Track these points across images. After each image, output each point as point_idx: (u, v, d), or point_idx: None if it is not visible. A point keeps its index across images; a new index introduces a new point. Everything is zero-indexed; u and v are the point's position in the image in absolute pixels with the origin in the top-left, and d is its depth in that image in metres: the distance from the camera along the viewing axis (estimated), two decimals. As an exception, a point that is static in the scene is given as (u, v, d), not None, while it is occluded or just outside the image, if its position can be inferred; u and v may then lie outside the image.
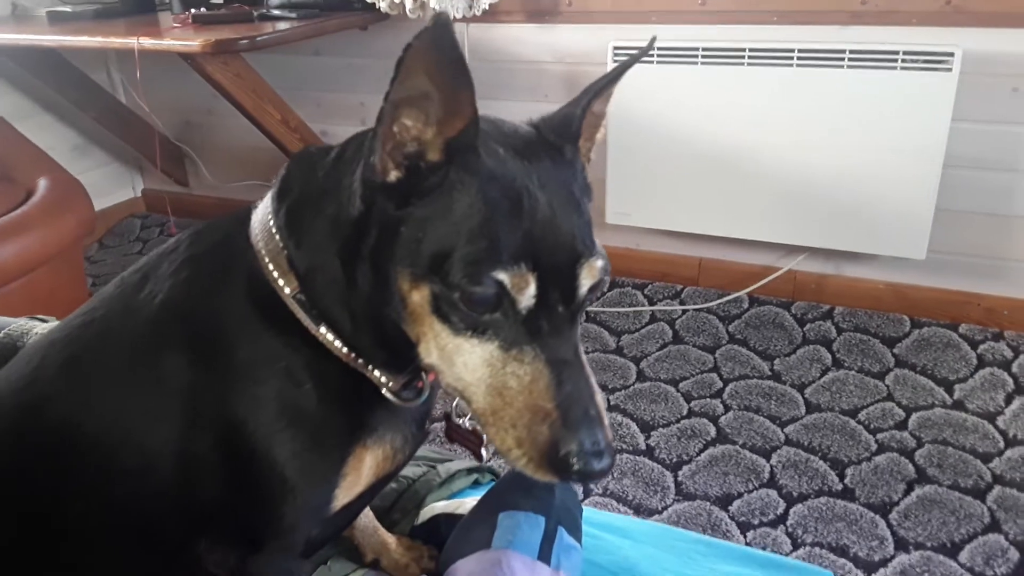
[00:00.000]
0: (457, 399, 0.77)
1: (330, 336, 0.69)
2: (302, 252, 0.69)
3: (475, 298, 0.61)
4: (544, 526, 0.78)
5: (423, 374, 0.74)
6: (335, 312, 0.69)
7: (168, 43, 2.11)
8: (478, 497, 0.84)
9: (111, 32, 2.29)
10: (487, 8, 2.27)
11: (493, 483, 0.91)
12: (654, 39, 0.79)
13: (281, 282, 0.69)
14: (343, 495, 0.72)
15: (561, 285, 0.63)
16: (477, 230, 0.61)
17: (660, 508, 1.62)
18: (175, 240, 0.76)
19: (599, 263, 0.64)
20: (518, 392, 0.61)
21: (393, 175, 0.63)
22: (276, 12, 2.38)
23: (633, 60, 0.70)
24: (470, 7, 2.28)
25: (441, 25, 0.56)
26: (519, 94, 2.43)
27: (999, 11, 1.93)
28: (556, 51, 2.36)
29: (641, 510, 1.62)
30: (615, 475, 1.72)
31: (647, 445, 1.81)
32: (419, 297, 0.62)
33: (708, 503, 1.63)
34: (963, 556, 1.47)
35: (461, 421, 0.83)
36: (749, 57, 2.11)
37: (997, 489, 1.62)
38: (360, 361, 0.71)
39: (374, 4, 2.36)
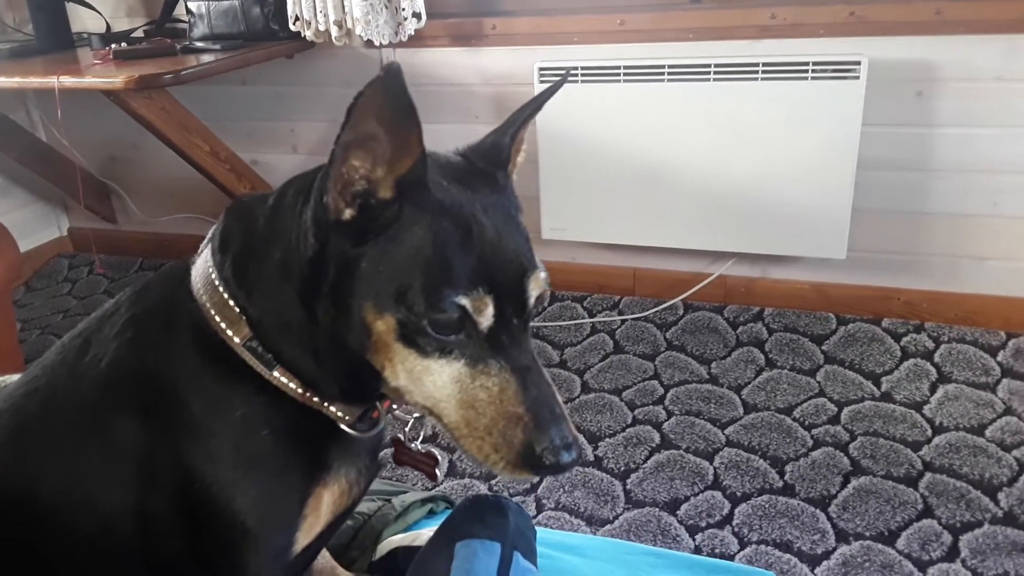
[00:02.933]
0: (409, 424, 0.81)
1: (284, 379, 0.72)
2: (254, 299, 0.72)
3: (441, 323, 0.66)
4: (500, 552, 0.81)
5: (378, 404, 0.77)
6: (293, 352, 0.71)
7: (90, 81, 2.07)
8: (434, 527, 0.86)
9: (29, 71, 2.24)
10: (413, 33, 2.29)
11: (447, 511, 0.93)
12: (567, 73, 0.86)
13: (230, 332, 0.71)
14: (304, 537, 0.74)
15: (513, 300, 0.68)
16: (436, 261, 0.66)
17: (611, 517, 1.67)
18: (114, 302, 0.77)
19: (542, 275, 0.71)
20: (489, 403, 0.67)
21: (347, 213, 0.66)
22: (199, 44, 2.36)
23: (552, 90, 0.77)
24: (396, 33, 2.30)
25: (393, 73, 0.60)
26: (449, 116, 2.46)
27: (900, 20, 2.05)
28: (483, 73, 2.40)
29: (593, 521, 1.66)
30: (566, 488, 1.75)
31: (595, 456, 1.85)
32: (384, 326, 0.66)
33: (657, 509, 1.68)
34: (900, 543, 1.54)
35: (414, 445, 0.85)
36: (669, 73, 2.19)
37: (928, 476, 1.71)
38: (316, 399, 0.73)
39: (299, 33, 2.37)
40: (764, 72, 2.11)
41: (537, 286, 0.70)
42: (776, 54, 2.12)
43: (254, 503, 0.70)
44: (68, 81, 2.07)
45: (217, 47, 2.31)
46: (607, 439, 1.91)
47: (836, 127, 2.10)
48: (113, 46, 2.28)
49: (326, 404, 0.73)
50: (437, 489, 1.66)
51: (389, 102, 0.61)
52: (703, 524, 1.63)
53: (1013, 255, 2.17)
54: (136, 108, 2.16)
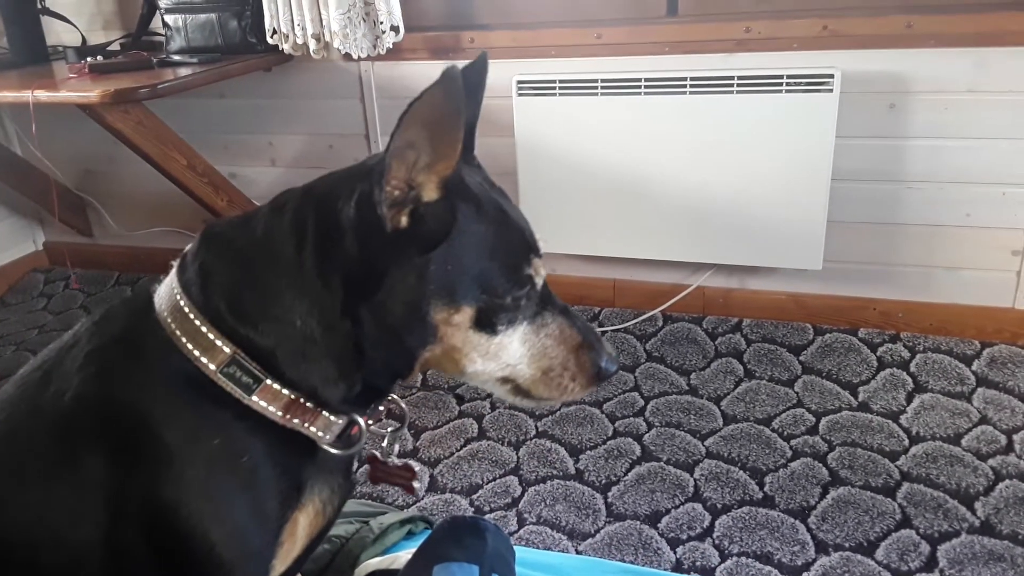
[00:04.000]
0: (386, 440, 0.82)
1: (262, 403, 0.71)
2: (262, 330, 0.72)
3: (520, 296, 0.76)
4: (478, 574, 0.81)
5: (357, 419, 0.78)
6: (313, 369, 0.73)
7: (65, 95, 2.05)
8: (412, 549, 0.86)
9: (3, 85, 2.21)
10: (391, 47, 2.29)
11: (426, 532, 0.93)
12: (484, 55, 0.91)
13: (204, 359, 0.71)
14: (280, 564, 0.74)
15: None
16: (501, 245, 0.75)
17: (593, 531, 1.67)
18: (72, 334, 0.76)
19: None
20: (557, 344, 0.79)
21: (403, 220, 0.70)
22: (176, 58, 2.35)
23: (480, 73, 0.86)
24: (374, 46, 2.30)
25: (452, 78, 0.65)
26: None
27: (873, 34, 2.07)
28: (461, 87, 2.40)
29: (575, 535, 1.66)
30: (547, 502, 1.75)
31: (576, 469, 1.85)
32: (460, 318, 0.73)
33: (638, 522, 1.68)
34: (879, 553, 1.55)
35: (391, 459, 0.86)
36: (645, 86, 2.20)
37: (906, 486, 1.72)
38: (296, 421, 0.73)
39: (277, 46, 2.36)
40: (739, 85, 2.13)
41: (541, 244, 0.81)
42: (751, 67, 2.14)
43: (230, 534, 0.69)
44: (43, 96, 2.05)
45: (194, 60, 2.30)
46: (588, 451, 1.91)
47: (810, 139, 2.12)
48: (89, 59, 2.26)
49: (306, 424, 0.73)
50: (416, 506, 1.65)
51: (443, 108, 0.66)
52: (684, 537, 1.64)
53: (985, 265, 2.20)
54: (112, 122, 2.14)
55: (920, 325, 2.28)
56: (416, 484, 0.85)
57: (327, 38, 2.27)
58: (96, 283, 3.04)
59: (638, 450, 1.91)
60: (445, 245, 0.71)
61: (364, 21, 2.27)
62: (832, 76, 2.05)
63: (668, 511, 1.71)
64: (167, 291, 0.74)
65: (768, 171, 2.18)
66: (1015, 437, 1.85)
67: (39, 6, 2.62)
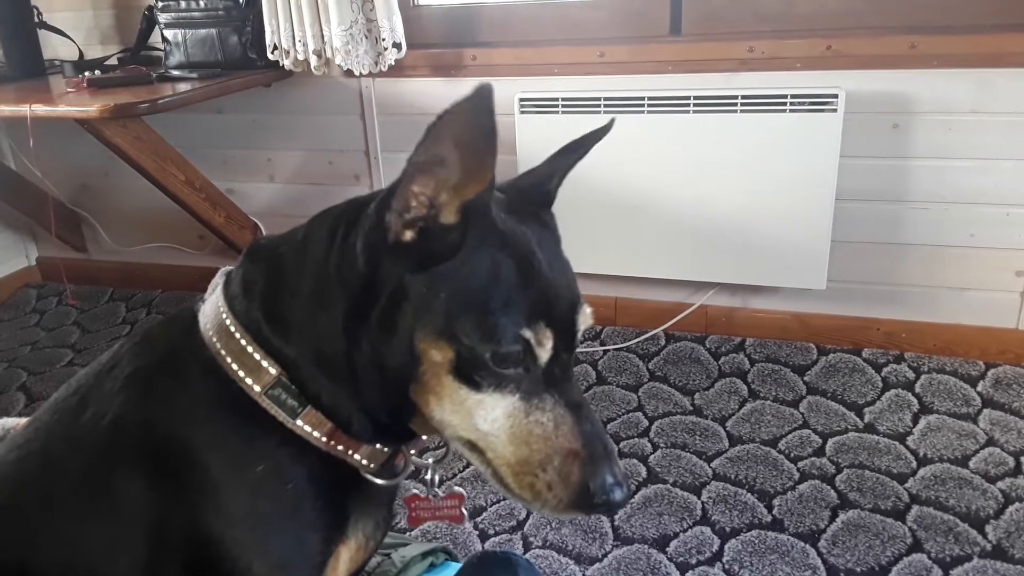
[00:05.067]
0: (428, 472, 0.78)
1: (307, 427, 0.68)
2: (291, 336, 0.69)
3: (501, 357, 0.64)
4: (510, 611, 0.78)
5: (403, 449, 0.75)
6: (330, 388, 0.69)
7: (64, 109, 2.03)
8: (437, 583, 0.84)
9: (0, 99, 2.19)
10: (393, 63, 2.28)
11: (447, 563, 0.90)
12: (612, 121, 0.84)
13: (249, 380, 0.68)
14: None
15: (564, 334, 0.68)
16: (500, 292, 0.65)
17: (600, 556, 1.64)
18: (111, 355, 0.73)
19: (588, 310, 0.71)
20: (544, 438, 0.66)
21: (407, 235, 0.65)
22: (175, 73, 2.33)
23: (601, 133, 0.80)
24: (376, 63, 2.29)
25: (484, 95, 0.58)
26: None
27: (877, 54, 2.07)
28: (464, 104, 2.39)
29: (582, 559, 1.63)
30: (553, 525, 1.72)
31: (581, 491, 1.83)
32: (440, 357, 0.64)
33: (646, 546, 1.65)
34: (891, 578, 1.53)
35: (435, 491, 0.82)
36: (648, 105, 2.19)
37: (915, 509, 1.70)
38: (340, 448, 0.70)
39: (277, 62, 2.35)
40: (743, 104, 2.13)
41: (585, 320, 0.71)
42: (755, 87, 2.14)
43: (274, 568, 0.66)
44: (41, 110, 2.03)
45: (194, 76, 2.28)
46: (593, 473, 1.88)
47: (814, 159, 2.11)
48: (87, 74, 2.24)
49: (351, 452, 0.70)
50: (444, 526, 1.62)
51: (473, 125, 0.60)
52: (693, 561, 1.61)
53: (989, 285, 2.19)
54: (110, 137, 2.12)
55: (924, 345, 2.27)
56: (464, 511, 0.82)
57: (328, 54, 2.26)
58: (90, 299, 3.00)
59: (644, 471, 1.88)
60: (440, 270, 0.65)
61: (366, 38, 2.25)
62: (836, 96, 2.05)
63: (676, 535, 1.68)
64: (212, 308, 0.71)
65: (772, 190, 2.17)
66: (1023, 459, 1.83)
67: (36, 20, 2.59)
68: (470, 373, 0.64)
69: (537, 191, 0.76)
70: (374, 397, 0.69)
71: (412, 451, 0.77)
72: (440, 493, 0.80)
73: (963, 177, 2.11)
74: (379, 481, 0.72)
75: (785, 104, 2.10)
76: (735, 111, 2.14)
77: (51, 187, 2.73)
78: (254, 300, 0.70)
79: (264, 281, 0.71)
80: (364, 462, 0.71)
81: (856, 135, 2.12)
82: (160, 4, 2.38)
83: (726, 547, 1.64)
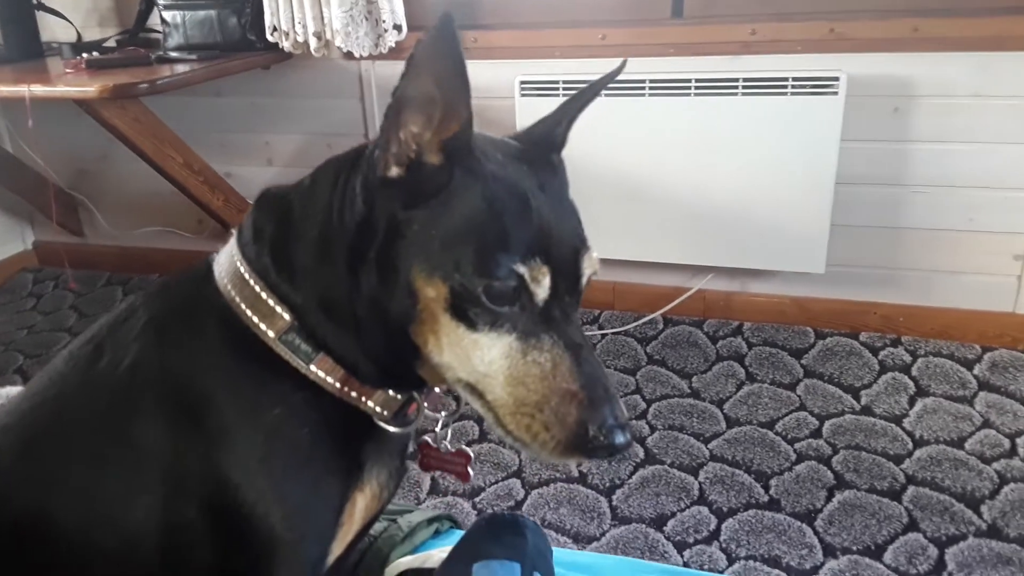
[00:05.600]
0: (440, 424, 0.78)
1: (321, 373, 0.69)
2: (297, 281, 0.69)
3: (496, 292, 0.63)
4: (519, 573, 0.79)
5: (416, 396, 0.75)
6: (336, 332, 0.69)
7: (63, 90, 2.03)
8: (442, 548, 0.84)
9: (-2, 80, 2.18)
10: (393, 46, 2.27)
11: (452, 531, 0.91)
12: (624, 62, 0.83)
13: (263, 326, 0.68)
14: (338, 547, 0.71)
15: (567, 276, 0.67)
16: (493, 227, 0.64)
17: (598, 535, 1.65)
18: (127, 306, 0.73)
19: (595, 254, 0.71)
20: (541, 378, 0.64)
21: (395, 171, 0.65)
22: (174, 54, 2.32)
23: (610, 77, 0.78)
24: (376, 45, 2.28)
25: (446, 24, 0.58)
26: None
27: (878, 37, 2.07)
28: (463, 86, 2.38)
29: (580, 538, 1.64)
30: (551, 505, 1.73)
31: (580, 472, 1.83)
32: (434, 293, 0.64)
33: (644, 525, 1.66)
34: (887, 557, 1.54)
35: (444, 444, 0.82)
36: (650, 88, 2.19)
37: (911, 489, 1.71)
38: (353, 394, 0.70)
39: (276, 44, 2.34)
40: (744, 87, 2.13)
41: (590, 264, 0.70)
42: (756, 70, 2.14)
43: (291, 512, 0.66)
44: (39, 90, 2.02)
45: (193, 57, 2.27)
46: (591, 454, 1.89)
47: (815, 142, 2.12)
48: (85, 55, 2.23)
49: (363, 399, 0.71)
50: (441, 504, 1.63)
51: (445, 57, 0.59)
52: (690, 540, 1.62)
53: (987, 270, 2.20)
54: (109, 118, 2.11)
55: (921, 329, 2.27)
56: (470, 470, 0.82)
57: (328, 36, 2.25)
58: (87, 283, 3.00)
59: (641, 453, 1.89)
60: (433, 205, 0.64)
61: (366, 20, 2.25)
62: (838, 79, 2.05)
63: (674, 514, 1.69)
64: (226, 256, 0.72)
65: (772, 174, 2.17)
66: (1018, 441, 1.84)
67: (34, 2, 2.58)
68: (465, 310, 0.64)
69: (546, 137, 0.76)
70: (377, 341, 0.69)
71: (426, 404, 0.77)
72: (449, 447, 0.80)
73: (963, 161, 2.11)
74: (392, 428, 0.72)
75: (786, 87, 2.10)
76: (736, 94, 2.14)
77: (49, 172, 2.72)
78: (264, 246, 0.70)
79: (273, 227, 0.71)
80: (377, 409, 0.71)
81: (857, 118, 2.12)
82: (159, -15, 2.37)
83: (723, 526, 1.65)
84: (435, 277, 0.63)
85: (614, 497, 1.75)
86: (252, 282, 0.69)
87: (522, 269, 0.63)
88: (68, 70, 2.19)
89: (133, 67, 2.23)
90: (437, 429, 0.80)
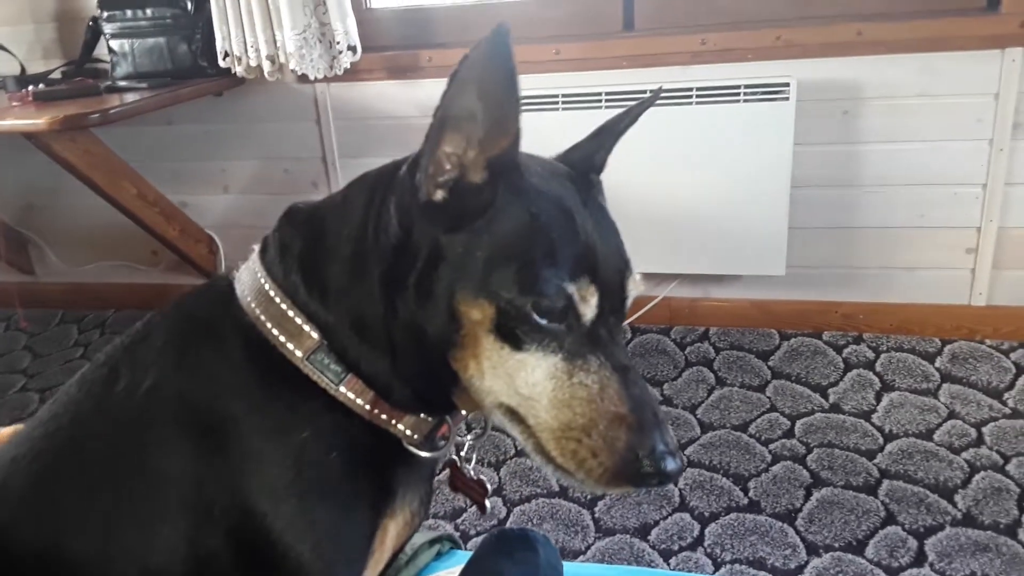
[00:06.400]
0: (466, 447, 0.77)
1: (351, 394, 0.67)
2: (329, 301, 0.67)
3: (544, 310, 0.61)
4: (535, 589, 0.77)
5: (448, 419, 0.73)
6: (370, 355, 0.67)
7: (10, 123, 1.97)
8: (449, 570, 0.83)
9: (-61, 117, 2.12)
10: (348, 67, 2.26)
11: (453, 551, 0.89)
12: (660, 89, 0.84)
13: (291, 346, 0.66)
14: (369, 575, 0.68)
15: (612, 296, 0.66)
16: (541, 243, 0.63)
17: (584, 548, 1.64)
18: (143, 326, 0.70)
19: (639, 277, 0.69)
20: (588, 401, 0.61)
21: (439, 195, 0.63)
22: (123, 84, 2.28)
23: (648, 103, 0.79)
24: (331, 67, 2.27)
25: (501, 35, 0.57)
26: (388, 150, 2.37)
27: (825, 42, 2.12)
28: (421, 105, 2.38)
29: (566, 553, 1.63)
30: (534, 520, 1.72)
31: (560, 486, 1.83)
32: (480, 315, 0.62)
33: (628, 535, 1.66)
34: (869, 552, 1.56)
35: (467, 469, 0.80)
36: (606, 100, 2.21)
37: (886, 483, 1.74)
38: (384, 416, 0.68)
39: (229, 69, 2.31)
40: (698, 96, 2.16)
41: (635, 286, 0.69)
42: (708, 79, 2.17)
43: (321, 541, 0.63)
44: (-16, 125, 1.97)
45: (143, 85, 2.24)
46: (569, 467, 1.89)
47: (769, 147, 2.15)
48: (31, 87, 2.18)
49: (394, 422, 0.68)
50: (425, 527, 1.61)
51: (495, 70, 0.58)
52: (675, 547, 1.63)
53: (941, 264, 2.25)
54: (59, 151, 2.07)
55: (882, 325, 2.32)
56: (487, 503, 0.80)
57: (282, 59, 2.23)
58: (40, 322, 2.91)
59: (620, 463, 1.89)
60: (476, 226, 0.62)
61: (320, 42, 2.23)
62: (788, 85, 2.09)
63: (657, 523, 1.70)
64: (249, 274, 0.69)
65: (729, 180, 2.21)
66: (984, 430, 1.89)
67: (-27, 35, 2.52)
68: (512, 329, 0.61)
69: (587, 159, 0.76)
70: (413, 365, 0.67)
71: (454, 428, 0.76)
72: (472, 473, 0.79)
73: (912, 159, 2.17)
74: (423, 453, 0.70)
75: (739, 94, 2.14)
76: (690, 103, 2.17)
77: (-3, 209, 2.65)
78: (292, 263, 0.68)
79: (302, 244, 0.69)
80: (408, 432, 0.69)
81: (808, 122, 2.17)
82: (105, 14, 2.32)
83: (706, 531, 1.66)
84: (480, 299, 0.62)
85: (596, 509, 1.75)
86: (279, 300, 0.67)
87: (571, 288, 0.62)
88: (14, 103, 2.14)
89: (82, 98, 2.19)
90: (463, 452, 0.78)
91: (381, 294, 0.66)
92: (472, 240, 0.63)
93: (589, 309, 0.63)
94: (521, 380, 0.63)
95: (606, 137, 0.77)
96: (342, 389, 0.66)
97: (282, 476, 0.63)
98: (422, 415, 0.70)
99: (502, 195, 0.63)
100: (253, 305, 0.67)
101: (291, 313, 0.67)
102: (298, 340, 0.66)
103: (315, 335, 0.67)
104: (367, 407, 0.67)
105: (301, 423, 0.65)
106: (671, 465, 0.60)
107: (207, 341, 0.68)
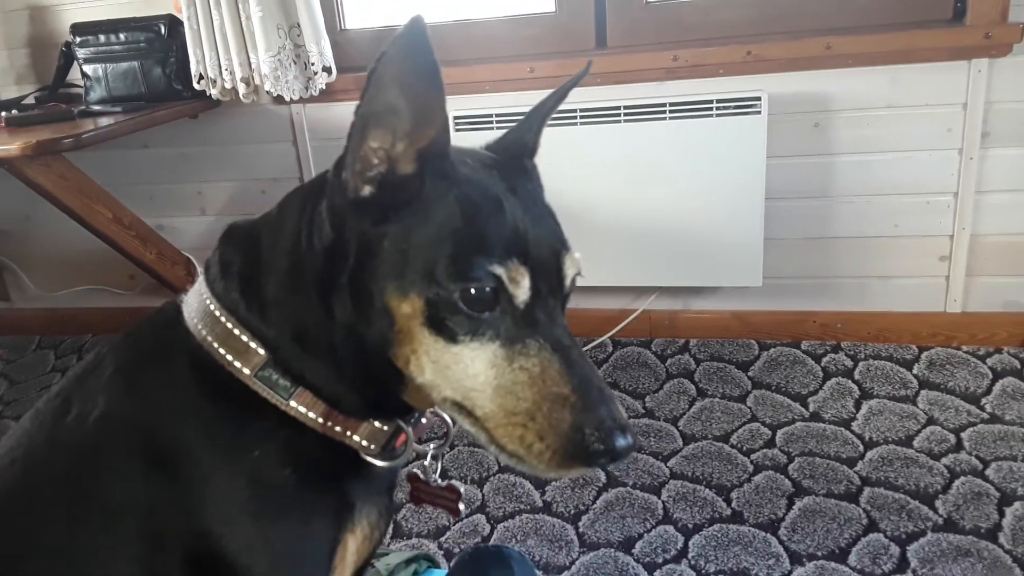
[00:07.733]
0: (428, 457, 0.76)
1: (302, 408, 0.66)
2: (268, 314, 0.67)
3: (473, 297, 0.61)
4: (509, 607, 0.77)
5: (403, 426, 0.72)
6: (313, 365, 0.66)
7: (-18, 151, 1.96)
8: (424, 589, 0.82)
9: (-90, 144, 2.10)
10: (324, 88, 2.27)
11: (430, 571, 0.89)
12: (589, 63, 0.83)
13: (238, 364, 0.65)
14: None
15: (548, 277, 0.65)
16: (466, 230, 0.62)
17: (568, 563, 1.64)
18: (94, 357, 0.70)
19: (577, 255, 0.69)
20: (530, 384, 0.61)
21: (366, 190, 0.63)
22: (97, 108, 2.27)
23: (574, 81, 0.77)
24: (306, 88, 2.27)
25: (417, 28, 0.56)
26: None
27: (794, 57, 2.15)
28: (397, 125, 2.38)
29: (550, 568, 1.63)
30: (518, 536, 1.72)
31: (543, 501, 1.83)
32: (410, 309, 0.61)
33: (612, 549, 1.66)
34: (852, 559, 1.57)
35: (433, 477, 0.79)
36: (581, 117, 2.23)
37: (867, 491, 1.75)
38: (338, 429, 0.67)
39: (204, 92, 2.31)
40: (671, 111, 2.18)
41: (573, 265, 0.68)
42: (681, 94, 2.20)
43: (279, 560, 0.63)
44: (-43, 152, 1.95)
45: (117, 110, 2.23)
46: (554, 482, 1.88)
47: (743, 160, 2.18)
48: (4, 113, 2.16)
49: (349, 433, 0.68)
50: (406, 546, 1.60)
51: (414, 63, 0.57)
52: (660, 560, 1.62)
53: (915, 272, 2.28)
54: (33, 176, 2.05)
55: (859, 334, 2.35)
56: (461, 506, 0.79)
57: (257, 81, 2.23)
58: (16, 349, 2.88)
59: (603, 477, 1.89)
60: (402, 217, 0.62)
61: (295, 63, 2.24)
62: (759, 99, 2.12)
63: (640, 536, 1.70)
64: (195, 296, 0.69)
65: (704, 193, 2.23)
66: (963, 435, 1.90)
67: (-56, 62, 2.50)
68: (443, 320, 0.61)
69: (517, 143, 0.76)
70: (357, 368, 0.67)
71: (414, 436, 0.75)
72: (439, 481, 0.78)
73: (883, 170, 2.20)
74: (380, 463, 0.69)
75: (711, 109, 2.16)
76: (664, 118, 2.19)
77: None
78: (232, 281, 0.68)
79: (240, 260, 0.69)
80: (364, 443, 0.69)
81: (780, 135, 2.19)
82: (78, 39, 2.32)
83: (690, 543, 1.66)
84: (410, 293, 0.61)
85: (580, 524, 1.75)
86: (223, 319, 0.67)
87: (499, 270, 0.61)
88: (-14, 130, 2.12)
89: (55, 123, 2.18)
90: (426, 462, 0.78)
91: (318, 300, 0.66)
92: (400, 232, 0.62)
93: (522, 291, 0.63)
94: (461, 372, 0.62)
95: (534, 119, 0.77)
96: (292, 404, 0.66)
97: (235, 497, 0.63)
98: (377, 424, 0.70)
99: (428, 185, 0.63)
100: (200, 326, 0.67)
101: (236, 331, 0.66)
102: (245, 357, 0.66)
103: (261, 351, 0.66)
104: (320, 420, 0.67)
105: (252, 442, 0.65)
106: (620, 441, 0.59)
107: (155, 366, 0.68)
